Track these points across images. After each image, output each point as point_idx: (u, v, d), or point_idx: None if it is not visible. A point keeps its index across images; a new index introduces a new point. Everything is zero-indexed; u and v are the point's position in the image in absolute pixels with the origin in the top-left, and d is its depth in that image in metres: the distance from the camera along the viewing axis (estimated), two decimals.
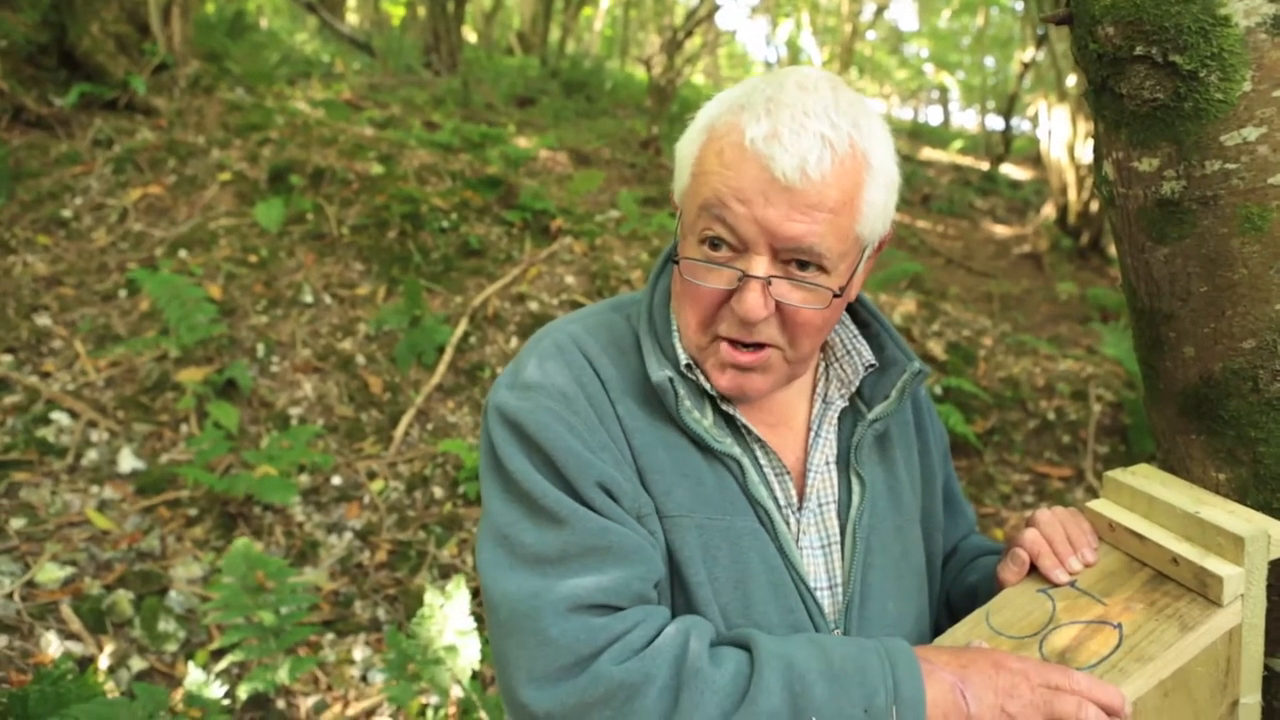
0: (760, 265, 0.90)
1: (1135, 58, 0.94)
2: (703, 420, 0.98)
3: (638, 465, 0.97)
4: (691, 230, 0.95)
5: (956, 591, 1.22)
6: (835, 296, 0.94)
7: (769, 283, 0.91)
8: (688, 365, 1.00)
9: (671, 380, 0.97)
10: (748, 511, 0.99)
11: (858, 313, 1.14)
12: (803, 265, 0.92)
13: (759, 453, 1.04)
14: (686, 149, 0.97)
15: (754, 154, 0.88)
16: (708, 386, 1.01)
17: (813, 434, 1.08)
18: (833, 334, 1.11)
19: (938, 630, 1.19)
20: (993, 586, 1.12)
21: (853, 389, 1.09)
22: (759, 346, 0.95)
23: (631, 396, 0.99)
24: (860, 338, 1.10)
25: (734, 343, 0.95)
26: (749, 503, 1.00)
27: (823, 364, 1.11)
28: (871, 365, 1.09)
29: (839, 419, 1.09)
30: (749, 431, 1.04)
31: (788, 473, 1.05)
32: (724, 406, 1.03)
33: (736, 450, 0.99)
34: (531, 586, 0.88)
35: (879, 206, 0.94)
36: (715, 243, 0.92)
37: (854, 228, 0.92)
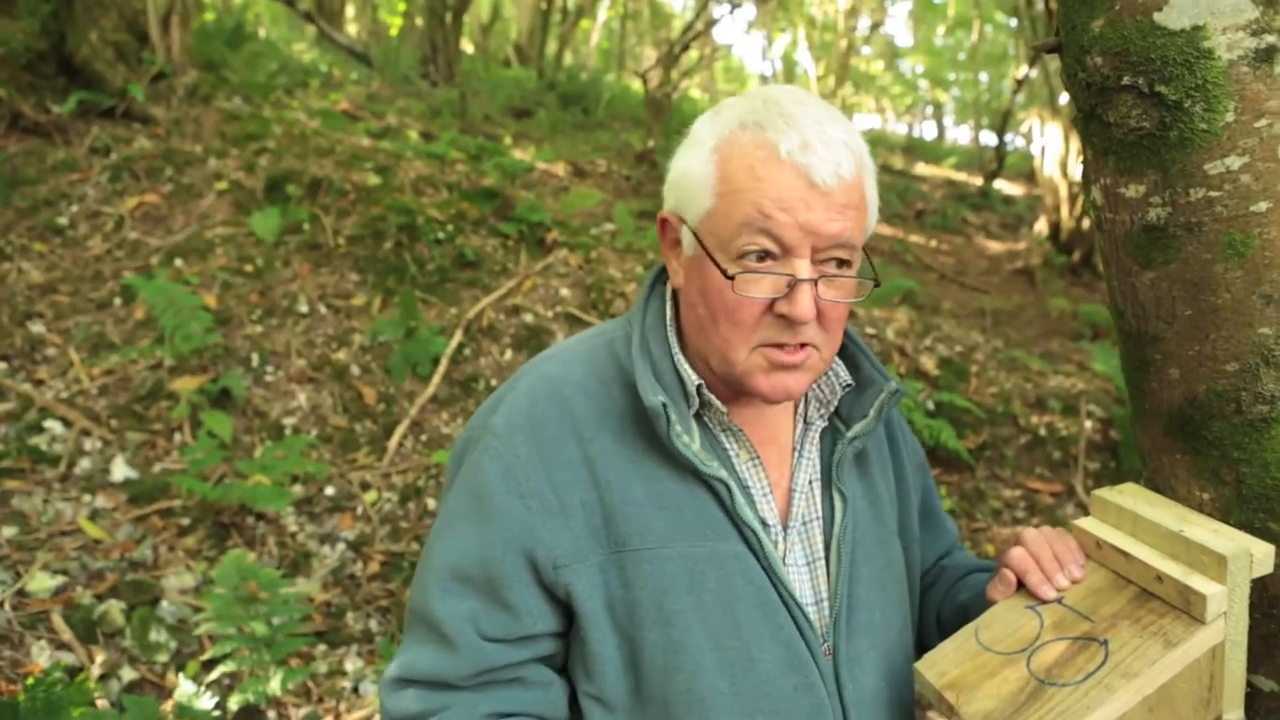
0: (805, 268, 0.95)
1: (1122, 87, 0.96)
2: (691, 445, 1.00)
3: (607, 502, 0.99)
4: (725, 249, 0.97)
5: (948, 609, 1.24)
6: (875, 285, 1.03)
7: (815, 283, 0.96)
8: (699, 386, 1.02)
9: (665, 405, 0.98)
10: (732, 535, 1.01)
11: None
12: (839, 263, 0.98)
13: (748, 473, 1.06)
14: (698, 172, 0.99)
15: (791, 165, 0.93)
16: (718, 405, 1.03)
17: (796, 454, 1.10)
18: None
19: (919, 642, 1.21)
20: (984, 604, 1.13)
21: (831, 408, 1.11)
22: (801, 346, 0.99)
23: (608, 431, 1.02)
24: (837, 359, 1.13)
25: (779, 346, 0.98)
26: (734, 526, 1.01)
27: None
28: (848, 385, 1.11)
29: (819, 438, 1.12)
30: (743, 447, 1.06)
31: (773, 492, 1.07)
32: (725, 424, 1.05)
33: (724, 474, 1.00)
34: (399, 652, 1.05)
35: (875, 202, 1.03)
36: (759, 255, 0.96)
37: (866, 222, 1.01)
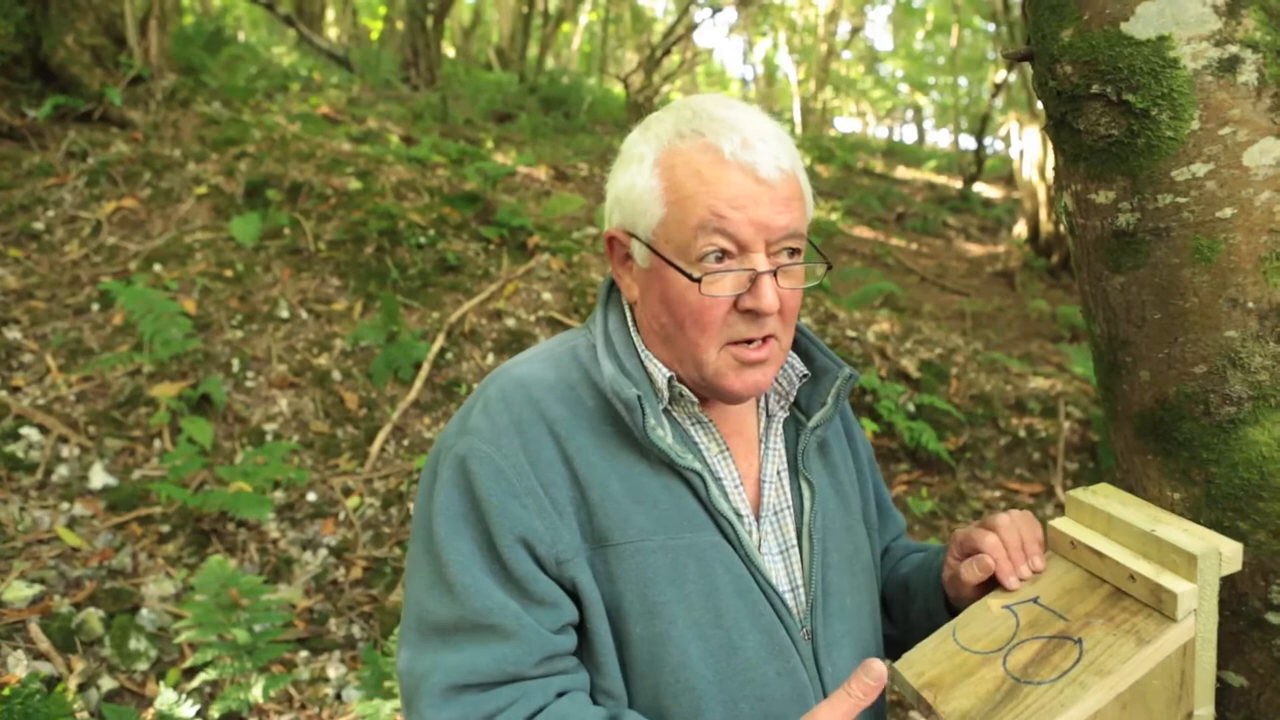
0: (762, 262, 0.98)
1: (1091, 95, 0.98)
2: (666, 438, 1.02)
3: (589, 499, 1.00)
4: (684, 254, 0.99)
5: (891, 585, 1.27)
6: (830, 266, 1.08)
7: (775, 274, 0.99)
8: (670, 379, 1.04)
9: (639, 398, 1.00)
10: (708, 526, 1.03)
11: None
12: (790, 252, 1.01)
13: (719, 464, 1.08)
14: (644, 185, 1.02)
15: (736, 164, 0.97)
16: (690, 396, 1.05)
17: (763, 446, 1.13)
18: None
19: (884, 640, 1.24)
20: (926, 576, 1.19)
21: (790, 399, 1.15)
22: (764, 340, 1.02)
23: (582, 431, 1.03)
24: (791, 351, 1.16)
25: (744, 343, 1.01)
26: (710, 517, 1.03)
27: None
28: (804, 375, 1.15)
29: (783, 430, 1.15)
30: (714, 439, 1.08)
31: (743, 484, 1.09)
32: (695, 416, 1.08)
33: (698, 465, 1.02)
34: (420, 665, 0.97)
35: (810, 193, 1.07)
36: (718, 255, 0.98)
37: (807, 212, 1.04)
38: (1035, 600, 1.06)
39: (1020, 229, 10.24)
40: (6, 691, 2.05)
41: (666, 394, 1.05)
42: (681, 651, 1.00)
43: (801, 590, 1.09)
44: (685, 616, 1.00)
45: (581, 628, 1.02)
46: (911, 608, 1.21)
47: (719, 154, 0.97)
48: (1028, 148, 9.57)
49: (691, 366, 1.04)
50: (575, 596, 1.00)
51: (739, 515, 1.07)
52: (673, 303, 1.01)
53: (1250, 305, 0.97)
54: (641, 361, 1.07)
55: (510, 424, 1.02)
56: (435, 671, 0.96)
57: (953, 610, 1.15)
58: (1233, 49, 0.93)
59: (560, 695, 0.98)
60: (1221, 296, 0.98)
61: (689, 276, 0.98)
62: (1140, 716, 0.96)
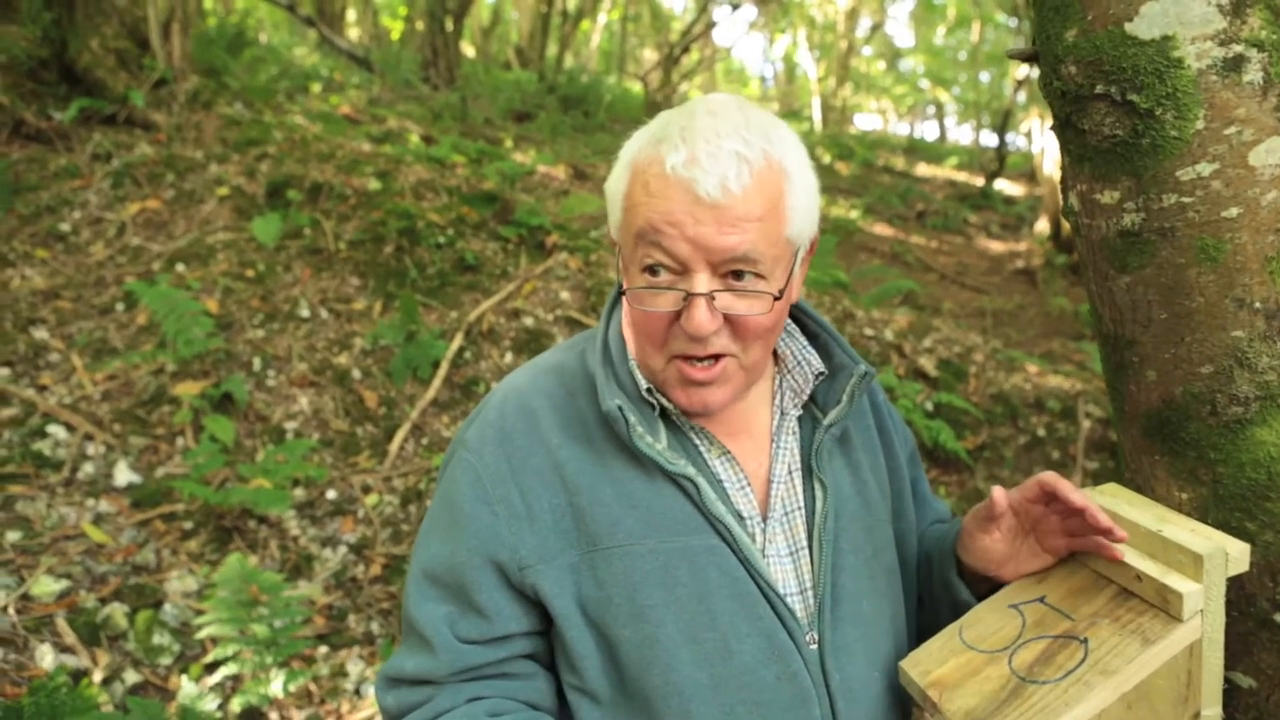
0: (701, 282, 0.95)
1: (1096, 95, 0.98)
2: (655, 444, 1.02)
3: (577, 505, 1.02)
4: (632, 262, 0.99)
5: (918, 564, 1.24)
6: (776, 299, 0.98)
7: (713, 297, 0.95)
8: (648, 390, 1.05)
9: (621, 408, 1.01)
10: (705, 529, 1.03)
11: (805, 324, 1.18)
12: (739, 275, 0.96)
13: (720, 467, 1.07)
14: (615, 186, 1.03)
15: (676, 180, 0.93)
16: (670, 407, 1.05)
17: (774, 444, 1.11)
18: (783, 346, 1.15)
19: (920, 627, 1.22)
20: (941, 544, 1.17)
21: (804, 397, 1.13)
22: (714, 359, 1.00)
23: (576, 439, 1.05)
24: (809, 348, 1.15)
25: (689, 359, 1.00)
26: (706, 520, 1.03)
27: (777, 376, 1.16)
28: (821, 373, 1.13)
29: (799, 427, 1.14)
30: (713, 443, 1.07)
31: (750, 484, 1.08)
32: (686, 421, 1.07)
33: (691, 470, 1.02)
34: (393, 654, 1.10)
35: (803, 210, 0.99)
36: (655, 269, 0.97)
37: (783, 232, 0.97)
38: (1041, 600, 1.06)
39: (1042, 226, 10.16)
40: (35, 684, 2.09)
41: (654, 402, 1.05)
42: (670, 654, 1.00)
43: (810, 593, 1.06)
44: (675, 620, 1.00)
45: (556, 631, 1.04)
46: (932, 578, 1.19)
47: (663, 166, 0.94)
48: (1050, 144, 9.48)
49: (646, 372, 1.05)
50: (542, 602, 1.03)
51: (740, 518, 1.06)
52: (629, 307, 1.03)
53: (1257, 305, 0.97)
54: (630, 369, 1.07)
55: (497, 434, 1.06)
56: (388, 663, 1.09)
57: (964, 579, 1.14)
58: (1238, 48, 0.92)
59: (471, 700, 1.04)
60: (1228, 296, 0.98)
61: (620, 289, 1.00)
62: (1146, 717, 0.96)
